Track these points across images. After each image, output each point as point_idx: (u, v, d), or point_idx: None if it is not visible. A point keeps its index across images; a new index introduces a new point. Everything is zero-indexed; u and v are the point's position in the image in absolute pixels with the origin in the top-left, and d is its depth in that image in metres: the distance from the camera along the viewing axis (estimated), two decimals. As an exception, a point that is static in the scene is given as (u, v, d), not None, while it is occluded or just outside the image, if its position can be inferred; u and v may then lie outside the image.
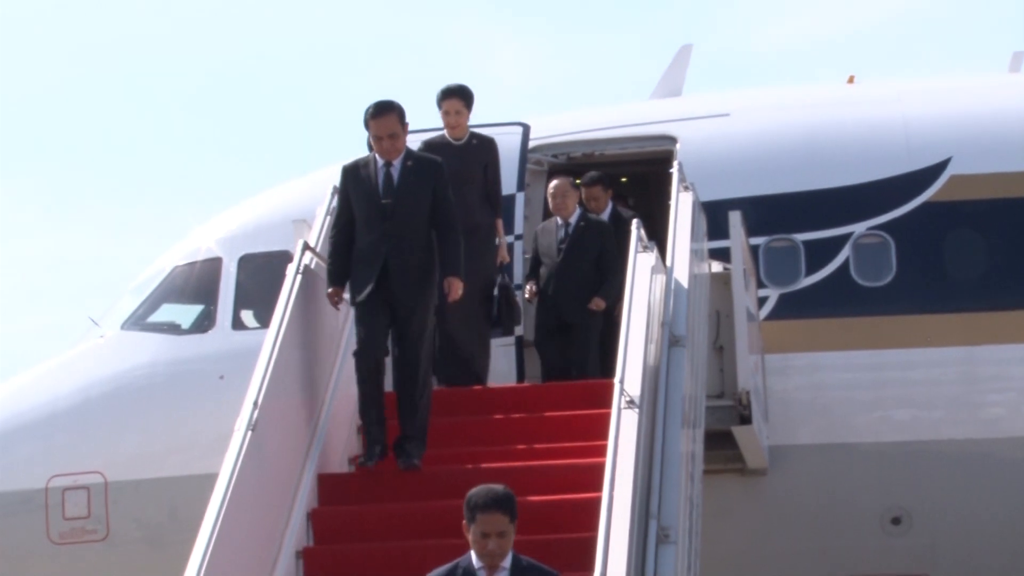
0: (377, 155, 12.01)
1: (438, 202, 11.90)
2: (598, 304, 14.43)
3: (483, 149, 14.15)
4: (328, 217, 13.75)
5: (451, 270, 11.90)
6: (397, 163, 11.92)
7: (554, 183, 14.75)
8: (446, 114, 13.94)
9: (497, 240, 14.16)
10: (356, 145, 15.06)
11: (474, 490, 8.03)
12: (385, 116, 12.02)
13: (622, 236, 14.00)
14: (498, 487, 8.00)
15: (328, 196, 13.78)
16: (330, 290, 12.26)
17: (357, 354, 12.01)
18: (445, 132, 13.99)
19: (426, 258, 11.90)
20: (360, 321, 12.07)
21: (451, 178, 13.34)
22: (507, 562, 7.82)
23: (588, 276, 14.53)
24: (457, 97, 13.95)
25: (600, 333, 14.93)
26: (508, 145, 15.03)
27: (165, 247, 17.12)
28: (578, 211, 14.77)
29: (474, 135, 14.14)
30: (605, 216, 15.01)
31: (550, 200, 14.75)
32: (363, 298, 11.85)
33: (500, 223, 14.12)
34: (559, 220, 14.72)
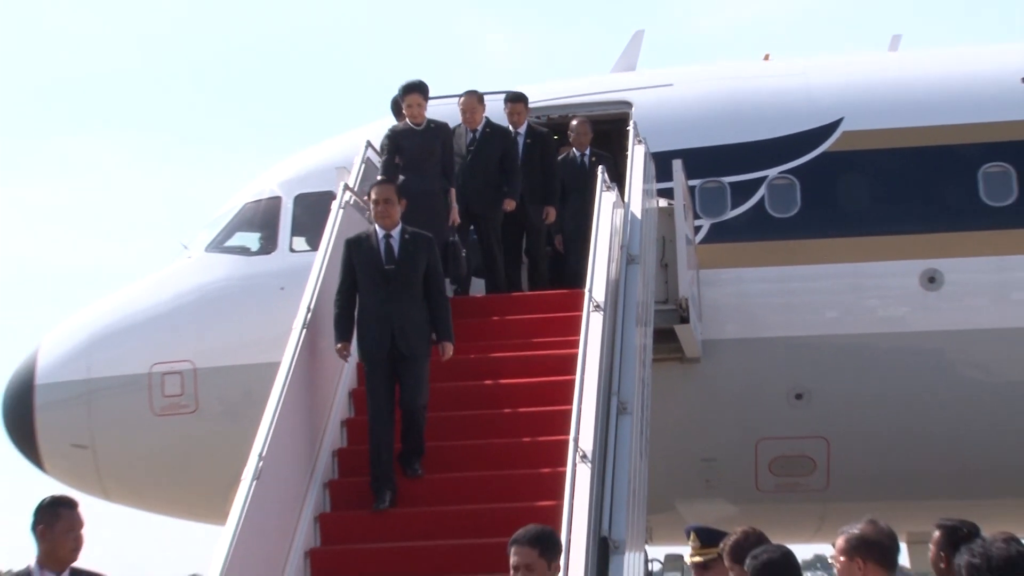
0: (377, 226, 11.45)
1: (430, 272, 11.41)
2: (509, 204, 14.14)
3: (438, 131, 13.64)
4: (361, 167, 13.84)
5: (444, 336, 11.43)
6: (395, 234, 11.35)
7: (462, 100, 14.41)
8: (408, 106, 13.45)
9: (449, 205, 13.69)
10: (379, 109, 15.03)
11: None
12: (385, 185, 11.71)
13: (595, 172, 13.76)
14: (537, 527, 7.31)
15: (361, 150, 13.98)
16: (339, 345, 11.66)
17: (370, 430, 11.33)
18: (407, 115, 13.52)
19: (423, 315, 11.34)
20: (370, 389, 11.43)
21: (414, 155, 13.39)
22: None
23: (493, 173, 14.17)
24: (417, 92, 13.51)
25: (530, 242, 14.88)
26: (498, 110, 14.82)
27: (237, 188, 17.10)
28: (484, 120, 14.39)
29: (431, 121, 13.63)
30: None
31: (461, 114, 14.34)
32: (375, 352, 11.28)
33: (453, 192, 13.61)
34: (468, 128, 14.29)
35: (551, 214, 14.51)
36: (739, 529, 8.45)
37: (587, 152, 14.74)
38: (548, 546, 6.99)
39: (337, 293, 11.45)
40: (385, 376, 11.14)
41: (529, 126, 14.70)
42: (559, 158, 14.86)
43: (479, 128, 14.25)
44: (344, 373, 12.76)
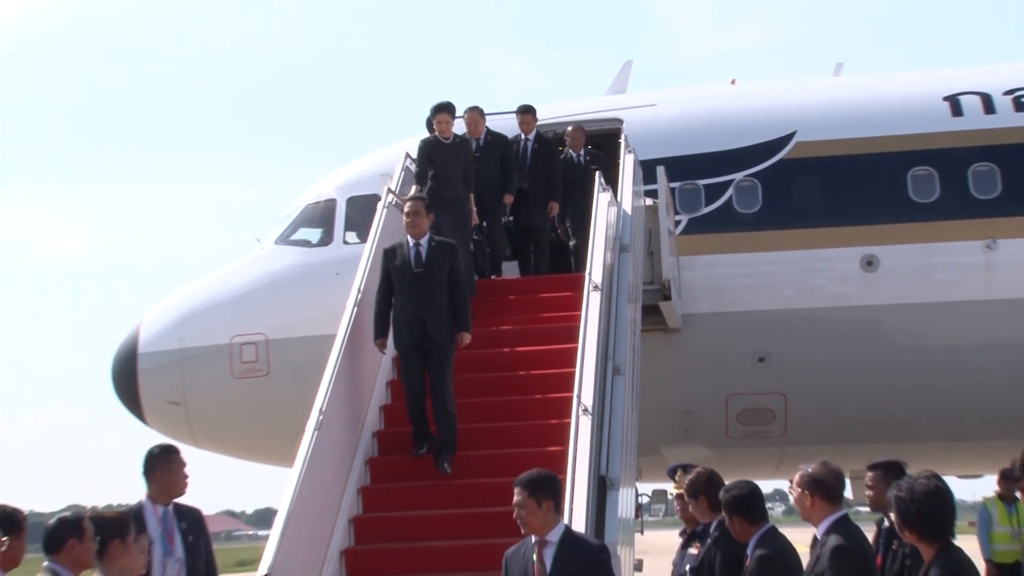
0: (409, 236, 11.18)
1: (453, 274, 11.09)
2: (508, 198, 14.13)
3: (462, 145, 13.51)
4: (401, 174, 13.97)
5: (463, 326, 11.12)
6: (424, 243, 11.07)
7: (466, 115, 14.22)
8: (439, 123, 13.30)
9: (471, 208, 13.54)
10: (414, 128, 15.03)
11: None
12: (415, 200, 11.43)
13: (593, 170, 13.94)
14: (534, 471, 7.24)
15: (401, 160, 14.13)
16: (377, 341, 11.51)
17: (407, 402, 11.15)
18: (438, 130, 13.39)
19: (448, 311, 11.00)
20: (404, 370, 11.24)
21: (442, 165, 13.22)
22: (555, 536, 6.98)
23: (495, 173, 14.05)
24: (446, 111, 13.37)
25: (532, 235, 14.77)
26: (512, 125, 14.90)
27: (300, 192, 17.16)
28: (485, 130, 14.23)
29: (456, 136, 13.55)
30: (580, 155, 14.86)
31: (466, 126, 14.22)
32: (406, 344, 11.07)
33: (472, 196, 13.42)
34: (472, 137, 14.08)
35: (555, 208, 14.48)
36: (694, 470, 8.68)
37: (582, 152, 14.72)
38: (535, 488, 6.95)
39: (376, 294, 11.36)
40: (416, 361, 10.96)
41: (537, 133, 14.71)
42: (560, 158, 14.85)
43: (481, 137, 14.19)
44: (388, 343, 12.52)
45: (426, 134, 14.06)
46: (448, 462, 10.85)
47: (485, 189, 13.97)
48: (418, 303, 10.89)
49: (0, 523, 6.52)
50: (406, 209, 11.34)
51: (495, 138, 14.28)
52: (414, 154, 13.72)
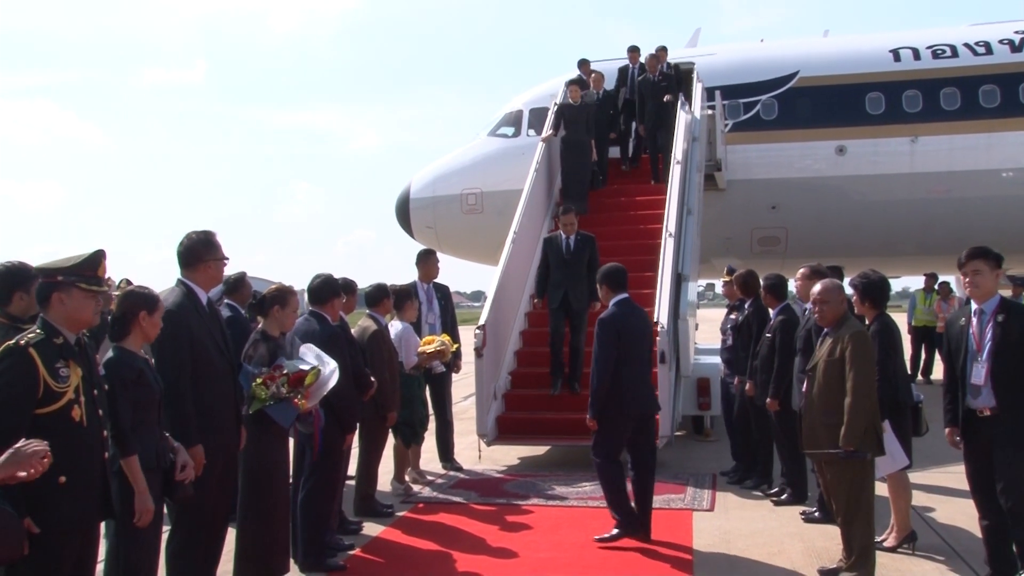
0: (563, 233, 10.08)
1: (591, 259, 9.85)
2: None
3: (587, 106, 12.82)
4: (560, 96, 13.50)
5: (595, 297, 9.62)
6: (572, 238, 10.00)
7: (592, 76, 13.92)
8: (572, 91, 12.76)
9: (591, 147, 12.95)
10: (569, 69, 14.98)
11: None
12: (569, 213, 10.20)
13: (663, 87, 13.69)
14: (604, 266, 6.75)
15: (561, 88, 13.66)
16: (536, 300, 10.83)
17: (551, 342, 10.13)
18: (570, 97, 12.83)
19: (586, 286, 9.82)
20: (552, 319, 10.09)
21: (572, 119, 12.65)
22: (610, 303, 6.53)
23: (606, 115, 13.78)
24: (575, 84, 12.89)
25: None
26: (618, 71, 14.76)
27: (500, 106, 16.99)
28: (603, 88, 13.86)
29: (583, 99, 12.80)
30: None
31: (592, 84, 13.81)
32: (555, 306, 10.04)
33: (593, 141, 12.84)
34: (595, 90, 13.74)
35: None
36: (742, 269, 8.83)
37: (657, 73, 13.98)
38: (602, 277, 6.68)
39: (538, 268, 10.45)
40: (560, 318, 10.07)
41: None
42: (639, 79, 14.21)
43: (601, 91, 13.99)
44: (552, 193, 12.84)
45: (575, 72, 14.12)
46: (578, 384, 9.93)
47: (604, 120, 13.83)
48: (565, 279, 10.04)
49: (343, 287, 6.61)
50: (563, 220, 10.26)
51: (608, 96, 14.16)
52: (570, 87, 13.15)
